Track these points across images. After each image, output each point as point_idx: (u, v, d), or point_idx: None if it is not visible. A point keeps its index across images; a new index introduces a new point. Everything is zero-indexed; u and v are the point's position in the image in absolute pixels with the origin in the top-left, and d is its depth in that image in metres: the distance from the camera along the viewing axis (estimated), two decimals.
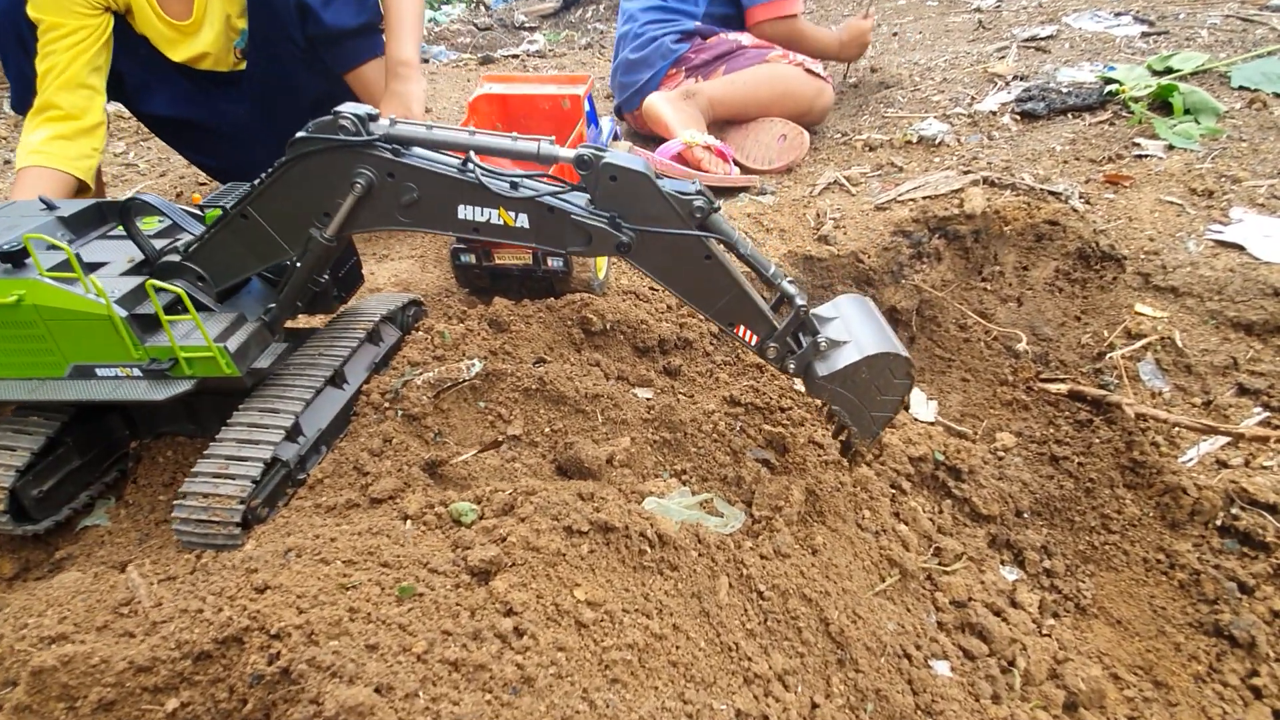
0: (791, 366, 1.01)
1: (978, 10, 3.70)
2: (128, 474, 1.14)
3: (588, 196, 0.97)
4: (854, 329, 1.02)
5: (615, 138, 1.97)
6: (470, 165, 0.93)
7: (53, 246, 0.99)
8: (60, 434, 1.03)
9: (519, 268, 1.58)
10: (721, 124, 2.41)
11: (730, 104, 2.37)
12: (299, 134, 0.90)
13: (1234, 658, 1.31)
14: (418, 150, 0.94)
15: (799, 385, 1.32)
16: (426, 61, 4.56)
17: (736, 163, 2.27)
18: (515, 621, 0.77)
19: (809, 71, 2.41)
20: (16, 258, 0.94)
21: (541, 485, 0.99)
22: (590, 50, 4.64)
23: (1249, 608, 1.34)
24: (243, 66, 1.94)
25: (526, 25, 6.12)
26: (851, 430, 1.09)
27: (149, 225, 1.18)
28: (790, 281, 1.00)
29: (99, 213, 1.17)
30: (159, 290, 0.94)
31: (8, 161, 3.38)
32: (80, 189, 1.77)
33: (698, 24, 2.51)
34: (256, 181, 0.94)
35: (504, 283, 1.63)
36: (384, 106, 1.72)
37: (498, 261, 1.57)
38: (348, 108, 0.90)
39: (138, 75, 1.87)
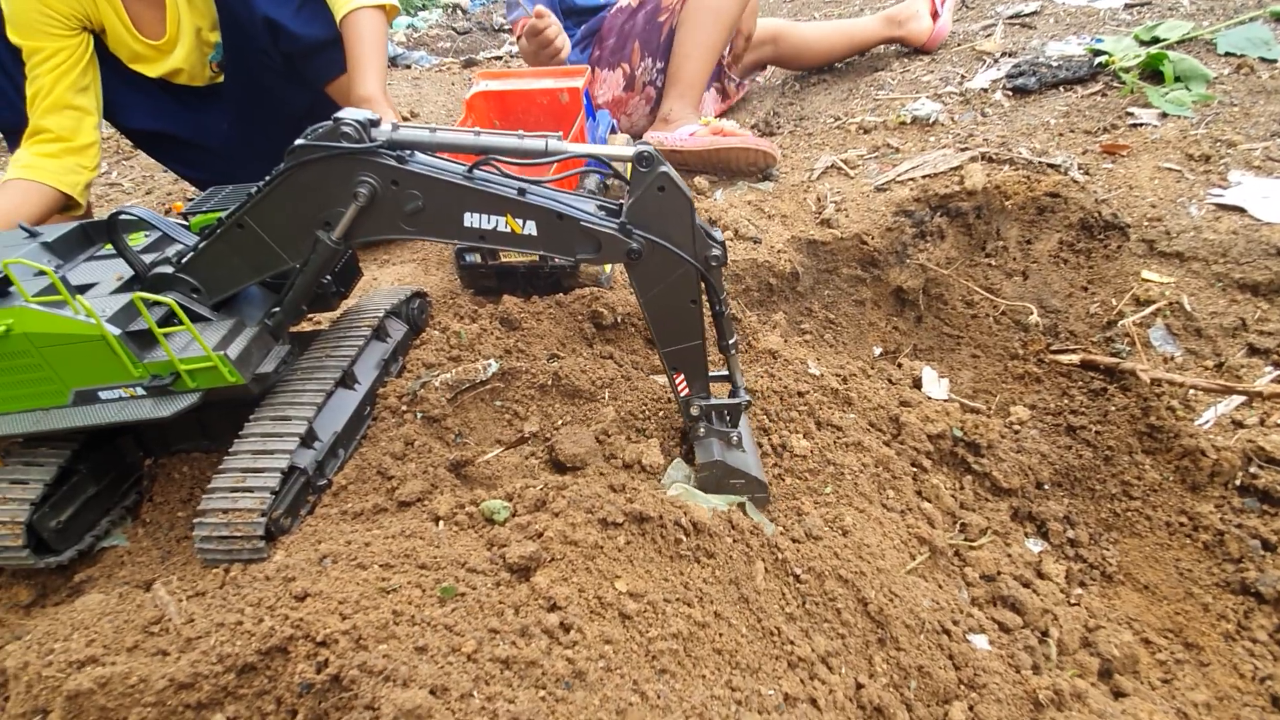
0: (700, 431, 1.12)
1: None
2: (144, 494, 1.12)
3: (596, 203, 0.96)
4: (747, 447, 1.17)
5: (613, 130, 1.95)
6: (476, 171, 0.91)
7: (38, 272, 0.96)
8: (72, 462, 1.00)
9: (525, 265, 1.56)
10: (674, 155, 2.17)
11: (699, 77, 2.24)
12: (298, 141, 0.88)
13: (1261, 614, 1.32)
14: (420, 156, 0.91)
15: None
16: (409, 68, 4.52)
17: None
18: (560, 616, 0.76)
19: None
20: (1, 288, 0.91)
21: (570, 479, 0.98)
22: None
23: (1273, 564, 1.35)
24: (220, 79, 1.91)
25: (505, 27, 6.08)
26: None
27: (135, 240, 1.15)
28: (740, 374, 1.11)
29: (84, 234, 1.14)
30: (150, 304, 0.91)
31: None
32: (68, 205, 1.74)
33: (580, 30, 2.43)
34: (253, 190, 0.92)
35: (510, 281, 1.61)
36: None
37: (504, 259, 1.56)
38: (349, 113, 0.88)
39: (116, 91, 1.84)
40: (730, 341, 1.06)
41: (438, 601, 0.74)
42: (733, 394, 1.11)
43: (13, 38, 1.62)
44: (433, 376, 1.21)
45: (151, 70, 1.81)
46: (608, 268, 1.63)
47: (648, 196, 0.88)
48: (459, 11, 7.16)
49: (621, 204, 0.97)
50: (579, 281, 1.60)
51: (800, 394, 1.47)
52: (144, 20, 1.73)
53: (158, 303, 0.90)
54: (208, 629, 0.72)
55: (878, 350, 1.98)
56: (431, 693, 0.60)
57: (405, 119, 3.28)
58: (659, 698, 0.75)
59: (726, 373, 1.12)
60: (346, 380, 1.09)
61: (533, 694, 0.66)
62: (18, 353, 0.89)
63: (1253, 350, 1.55)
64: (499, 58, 4.47)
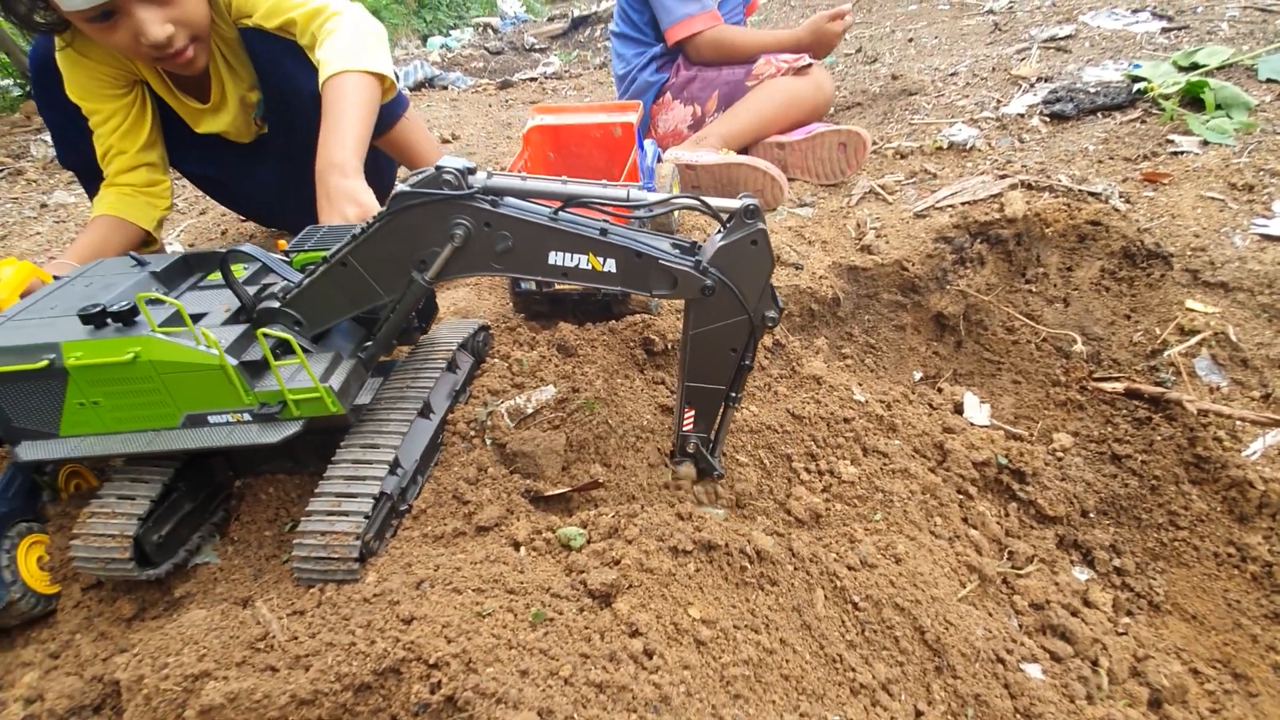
0: (682, 467, 1.19)
1: (991, 12, 3.74)
2: (231, 513, 1.19)
3: (670, 241, 1.01)
4: None
5: (659, 159, 2.01)
6: (562, 214, 0.96)
7: (155, 301, 1.03)
8: (174, 480, 1.07)
9: (578, 293, 1.62)
10: (778, 150, 2.38)
11: (742, 136, 2.36)
12: (400, 187, 0.94)
13: None
14: (510, 200, 0.97)
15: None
16: (445, 89, 4.64)
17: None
18: (643, 642, 0.80)
19: (796, 71, 2.37)
20: (126, 316, 0.98)
21: (639, 507, 1.02)
22: (605, 69, 4.71)
23: None
24: (264, 130, 1.97)
25: (537, 47, 6.21)
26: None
27: (235, 273, 1.23)
28: (726, 432, 1.16)
29: (186, 265, 1.22)
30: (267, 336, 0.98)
31: (44, 205, 3.48)
32: (146, 241, 1.85)
33: (663, 45, 2.53)
34: (356, 231, 0.98)
35: (562, 308, 1.67)
36: (320, 209, 1.41)
37: (557, 287, 1.62)
38: (449, 162, 0.94)
39: (168, 136, 1.90)
40: (736, 395, 1.09)
41: (529, 626, 0.79)
42: (711, 448, 1.16)
43: (71, 97, 1.71)
44: (498, 404, 1.27)
45: (199, 128, 1.88)
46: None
47: (741, 244, 0.93)
48: (490, 31, 7.32)
49: (694, 242, 1.02)
50: (628, 308, 1.65)
51: (846, 420, 1.51)
52: (188, 85, 1.79)
53: (272, 336, 0.97)
54: (317, 648, 0.77)
55: (918, 375, 2.00)
56: (539, 715, 0.65)
57: (444, 141, 3.37)
58: None
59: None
60: (424, 410, 1.15)
61: (625, 717, 0.70)
62: (140, 378, 0.96)
63: None
64: (534, 79, 4.57)
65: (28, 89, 5.52)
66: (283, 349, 1.01)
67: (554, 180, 0.95)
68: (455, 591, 0.82)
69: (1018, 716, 1.04)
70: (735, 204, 0.93)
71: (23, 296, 1.34)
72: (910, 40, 3.58)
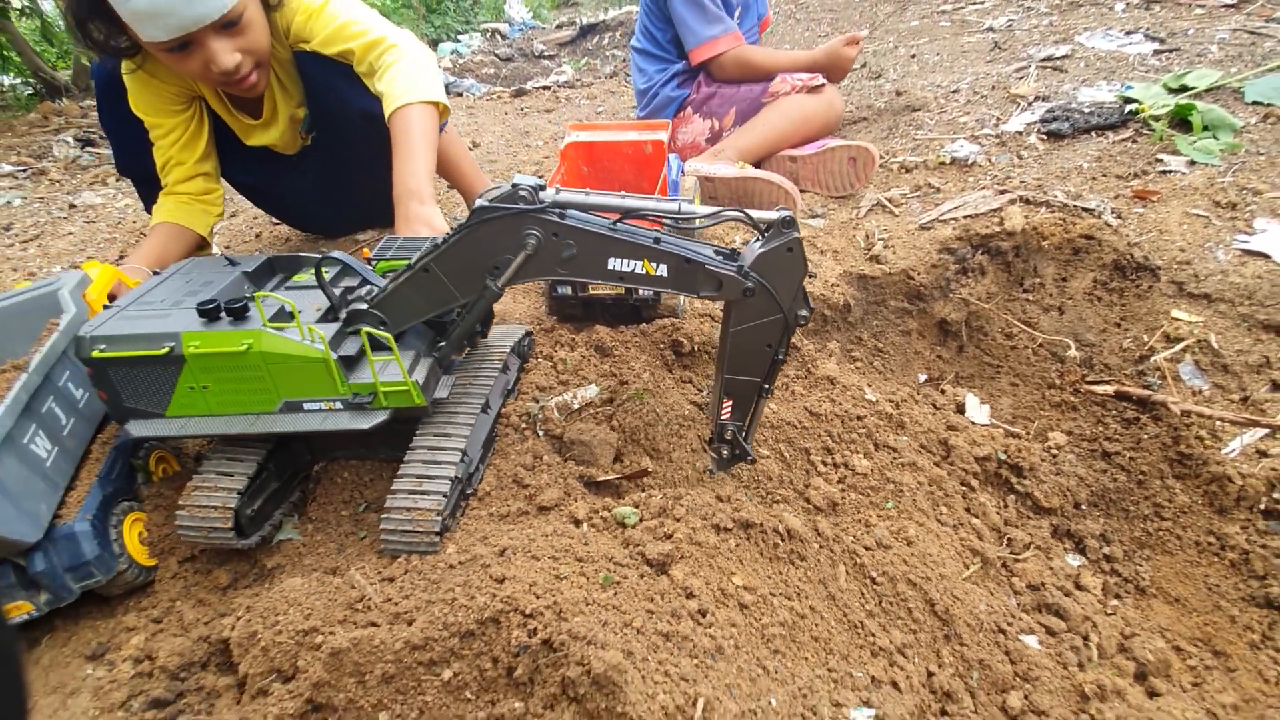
0: (725, 452, 1.30)
1: (990, 30, 3.88)
2: (308, 494, 1.31)
3: (712, 249, 1.14)
4: None
5: (682, 173, 2.14)
6: (620, 224, 1.09)
7: (253, 297, 1.16)
8: (265, 460, 1.20)
9: (611, 297, 1.74)
10: (791, 163, 2.52)
11: (757, 150, 2.51)
12: (479, 202, 1.07)
13: None
14: (574, 212, 1.10)
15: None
16: (460, 95, 4.77)
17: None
18: (697, 603, 0.93)
19: (810, 90, 2.54)
20: (239, 311, 1.11)
21: (685, 490, 1.15)
22: (616, 79, 4.84)
23: None
24: (309, 141, 2.09)
25: (546, 54, 6.34)
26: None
27: (301, 277, 1.35)
28: (758, 420, 1.28)
29: (270, 267, 1.35)
30: (353, 333, 1.11)
31: (72, 205, 3.60)
32: (201, 244, 1.98)
33: (685, 63, 2.69)
34: (438, 240, 1.11)
35: (595, 311, 1.79)
36: (398, 228, 1.56)
37: (592, 292, 1.74)
38: (521, 180, 1.06)
39: (218, 147, 2.02)
40: (768, 386, 1.21)
41: (600, 588, 0.91)
42: (745, 434, 1.27)
43: (134, 110, 1.83)
44: (548, 400, 1.39)
45: (249, 141, 2.00)
46: (683, 301, 1.81)
47: (778, 251, 1.06)
48: (499, 37, 7.44)
49: (733, 249, 1.15)
50: (657, 313, 1.78)
51: (859, 418, 1.64)
52: (243, 103, 1.91)
53: (369, 334, 1.09)
54: (417, 605, 0.90)
55: (922, 377, 2.13)
56: (624, 654, 0.77)
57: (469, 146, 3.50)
58: (776, 673, 0.92)
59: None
60: (485, 406, 1.27)
61: (690, 661, 0.82)
62: (249, 367, 1.08)
63: (1276, 386, 1.69)
64: (547, 87, 4.70)
65: (40, 89, 5.63)
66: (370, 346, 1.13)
67: (613, 195, 1.08)
68: (534, 559, 0.94)
69: (1017, 679, 1.17)
70: (774, 215, 1.05)
71: (110, 297, 1.46)
72: (913, 56, 3.73)
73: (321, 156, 2.12)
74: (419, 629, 0.84)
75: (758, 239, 1.11)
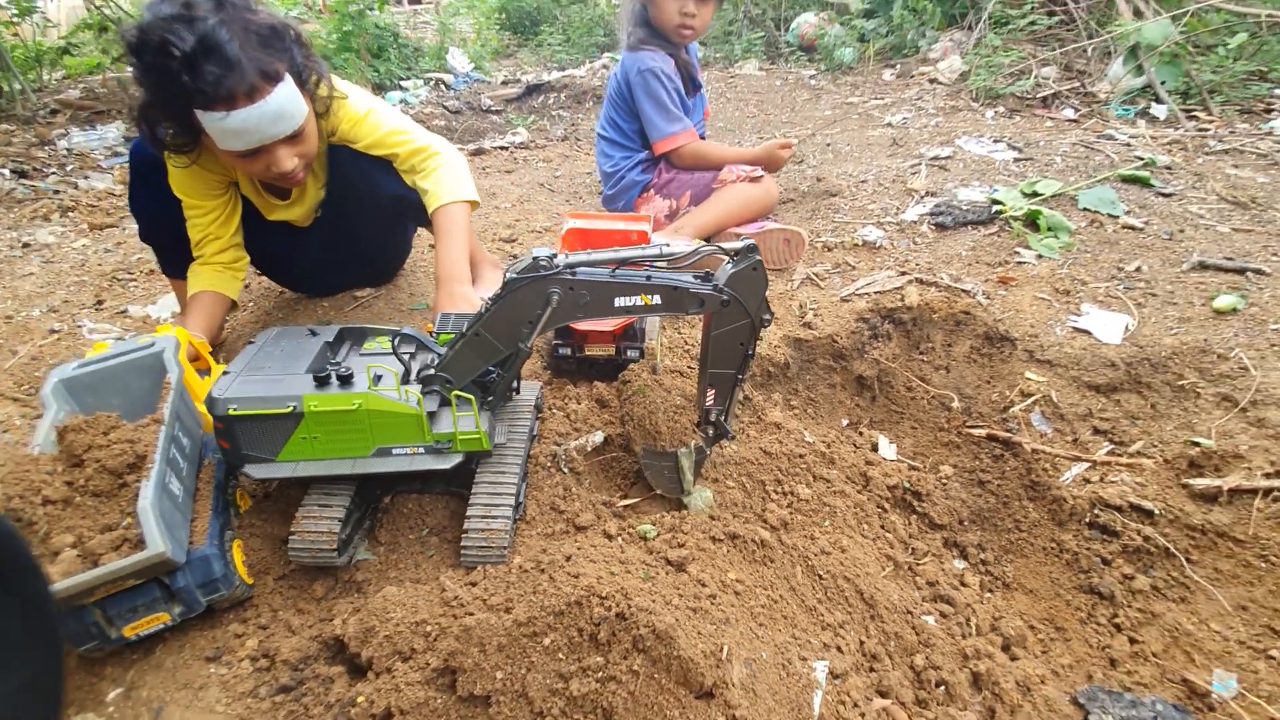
0: (710, 432, 1.62)
1: (889, 125, 4.62)
2: (376, 522, 1.61)
3: (691, 275, 1.51)
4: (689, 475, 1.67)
5: None
6: (618, 271, 1.45)
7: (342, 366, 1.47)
8: (354, 495, 1.50)
9: (604, 357, 2.13)
10: (736, 241, 3.02)
11: (708, 227, 3.03)
12: (509, 275, 1.40)
13: (1102, 606, 2.00)
14: (582, 269, 1.44)
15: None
16: None
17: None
18: (708, 590, 1.31)
19: (752, 179, 3.11)
20: (346, 378, 1.42)
21: (686, 514, 1.54)
22: (568, 142, 5.29)
23: (1109, 574, 2.04)
24: (319, 214, 2.35)
25: (493, 109, 6.71)
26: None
27: (370, 346, 1.67)
28: (736, 404, 1.61)
29: (341, 336, 1.65)
30: (429, 393, 1.44)
31: (26, 245, 3.61)
32: (231, 307, 2.22)
33: (649, 152, 3.21)
34: (482, 309, 1.43)
35: (589, 368, 2.17)
36: (442, 304, 1.90)
37: (587, 353, 2.13)
38: (539, 252, 1.38)
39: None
40: (742, 376, 1.54)
41: (642, 580, 1.28)
42: (724, 415, 1.56)
43: (175, 191, 2.04)
44: (569, 443, 1.76)
45: (270, 216, 2.24)
46: (660, 359, 2.23)
47: (745, 271, 1.38)
48: (444, 87, 7.72)
49: (706, 272, 1.51)
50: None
51: (800, 455, 2.09)
52: (273, 187, 2.16)
53: (461, 396, 1.41)
54: (511, 598, 1.24)
55: (845, 421, 2.64)
56: (674, 620, 1.14)
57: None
58: (762, 638, 1.32)
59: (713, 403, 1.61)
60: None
61: (710, 626, 1.21)
62: (355, 421, 1.39)
63: (1096, 431, 2.29)
64: (504, 148, 5.08)
65: None
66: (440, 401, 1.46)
67: (608, 251, 1.43)
68: (591, 561, 1.31)
69: (921, 646, 1.62)
70: (740, 245, 1.45)
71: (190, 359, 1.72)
72: (828, 145, 4.38)
73: (329, 228, 2.39)
74: (522, 611, 1.18)
75: (728, 262, 1.48)
